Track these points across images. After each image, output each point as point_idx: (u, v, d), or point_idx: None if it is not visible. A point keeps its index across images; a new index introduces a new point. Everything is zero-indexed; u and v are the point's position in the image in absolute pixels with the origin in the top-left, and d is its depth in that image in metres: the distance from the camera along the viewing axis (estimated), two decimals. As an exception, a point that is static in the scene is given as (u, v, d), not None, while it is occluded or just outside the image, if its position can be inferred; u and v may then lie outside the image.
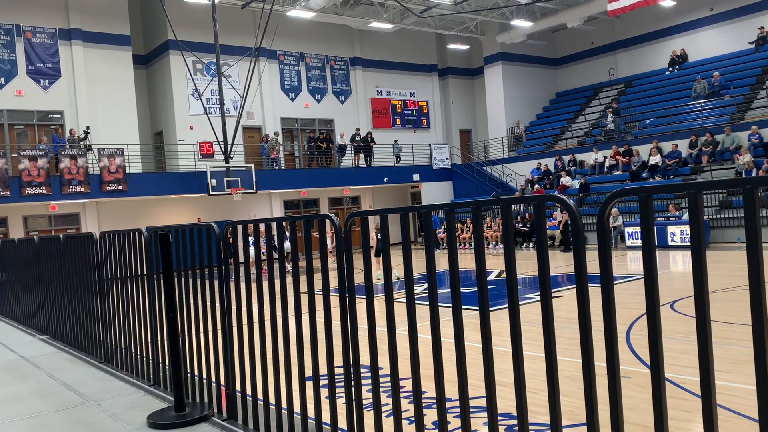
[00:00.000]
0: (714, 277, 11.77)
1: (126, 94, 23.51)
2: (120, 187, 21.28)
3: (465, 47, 32.85)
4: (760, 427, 1.83)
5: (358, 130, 28.36)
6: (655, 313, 2.11)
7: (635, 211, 20.68)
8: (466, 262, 17.98)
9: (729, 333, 7.15)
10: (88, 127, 21.50)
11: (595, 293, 2.15)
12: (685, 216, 18.20)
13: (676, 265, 14.72)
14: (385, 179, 28.01)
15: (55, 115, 22.53)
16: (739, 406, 4.74)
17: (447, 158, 30.37)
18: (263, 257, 4.17)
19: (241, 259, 5.53)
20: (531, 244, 22.16)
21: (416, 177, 29.06)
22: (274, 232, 3.92)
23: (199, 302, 4.65)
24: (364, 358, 3.37)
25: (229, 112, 24.33)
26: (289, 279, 3.97)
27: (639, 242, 17.61)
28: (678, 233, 18.24)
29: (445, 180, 30.08)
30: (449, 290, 2.88)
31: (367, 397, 3.52)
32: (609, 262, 2.20)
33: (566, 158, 26.18)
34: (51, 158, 20.39)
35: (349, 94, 30.00)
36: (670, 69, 28.06)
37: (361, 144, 27.84)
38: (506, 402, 3.97)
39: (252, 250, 10.20)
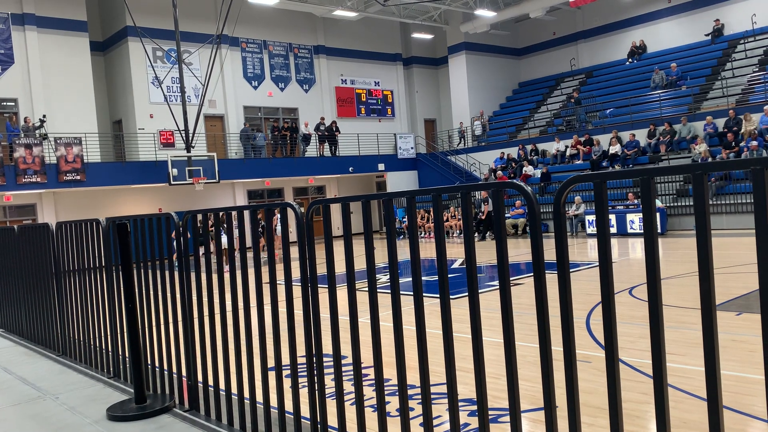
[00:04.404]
0: (671, 263, 12.08)
1: (83, 82, 22.89)
2: (78, 177, 20.77)
3: (429, 36, 32.88)
4: (709, 407, 1.89)
5: (322, 119, 28.20)
6: (609, 294, 2.15)
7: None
8: (430, 250, 18.08)
9: (685, 317, 7.35)
10: (44, 116, 20.88)
11: (554, 280, 2.19)
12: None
13: (635, 252, 15.06)
14: (350, 168, 27.95)
15: (8, 103, 21.83)
16: (692, 387, 4.89)
17: (412, 147, 30.44)
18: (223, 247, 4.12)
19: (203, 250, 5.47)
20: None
21: (381, 166, 29.06)
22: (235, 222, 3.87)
23: (159, 293, 4.58)
24: (327, 348, 3.37)
25: (190, 101, 23.92)
26: (252, 270, 3.93)
27: (599, 230, 17.95)
28: (637, 221, 18.65)
29: (410, 169, 30.16)
30: (411, 279, 2.90)
31: (330, 385, 3.52)
32: (565, 247, 2.24)
33: (529, 147, 26.50)
34: (5, 147, 19.78)
35: (313, 82, 29.77)
36: (630, 60, 28.57)
37: (326, 133, 27.69)
38: (469, 388, 4.01)
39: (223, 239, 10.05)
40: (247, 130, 26.08)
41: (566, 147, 24.85)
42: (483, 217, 22.07)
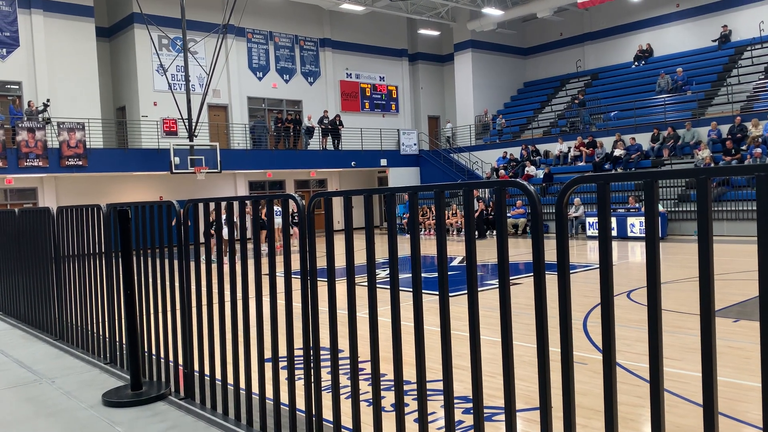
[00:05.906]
0: (670, 268, 12.08)
1: (88, 67, 22.84)
2: (80, 163, 20.77)
3: (436, 33, 32.80)
4: (704, 412, 1.89)
5: (326, 112, 28.16)
6: (608, 295, 2.15)
7: (597, 202, 21.04)
8: (430, 247, 18.09)
9: (682, 322, 7.35)
10: (48, 100, 20.86)
11: (553, 281, 2.18)
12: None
13: (635, 256, 15.06)
14: (353, 163, 27.92)
15: (12, 86, 21.80)
16: (687, 392, 4.89)
17: (415, 144, 30.41)
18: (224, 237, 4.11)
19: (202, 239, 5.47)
20: (495, 232, 22.37)
21: (384, 162, 29.03)
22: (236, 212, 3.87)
23: (158, 281, 4.58)
24: (324, 341, 3.37)
25: (194, 90, 23.88)
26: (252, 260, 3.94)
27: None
28: (637, 224, 18.64)
29: (413, 166, 30.14)
30: (410, 275, 2.90)
31: (326, 378, 3.53)
32: (566, 247, 2.24)
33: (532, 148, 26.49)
34: (7, 131, 19.77)
35: (318, 75, 29.72)
36: (636, 63, 28.51)
37: (329, 126, 27.67)
38: (465, 385, 4.02)
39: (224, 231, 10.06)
40: (263, 122, 26.23)
41: (569, 148, 24.82)
42: (477, 213, 22.11)
